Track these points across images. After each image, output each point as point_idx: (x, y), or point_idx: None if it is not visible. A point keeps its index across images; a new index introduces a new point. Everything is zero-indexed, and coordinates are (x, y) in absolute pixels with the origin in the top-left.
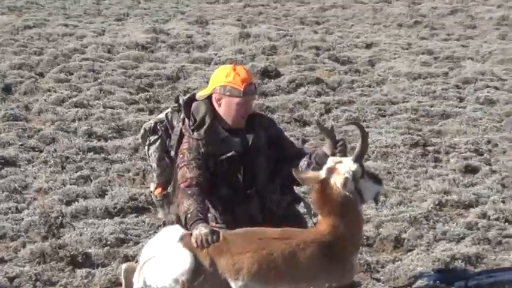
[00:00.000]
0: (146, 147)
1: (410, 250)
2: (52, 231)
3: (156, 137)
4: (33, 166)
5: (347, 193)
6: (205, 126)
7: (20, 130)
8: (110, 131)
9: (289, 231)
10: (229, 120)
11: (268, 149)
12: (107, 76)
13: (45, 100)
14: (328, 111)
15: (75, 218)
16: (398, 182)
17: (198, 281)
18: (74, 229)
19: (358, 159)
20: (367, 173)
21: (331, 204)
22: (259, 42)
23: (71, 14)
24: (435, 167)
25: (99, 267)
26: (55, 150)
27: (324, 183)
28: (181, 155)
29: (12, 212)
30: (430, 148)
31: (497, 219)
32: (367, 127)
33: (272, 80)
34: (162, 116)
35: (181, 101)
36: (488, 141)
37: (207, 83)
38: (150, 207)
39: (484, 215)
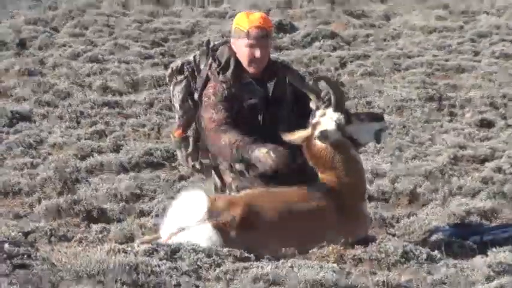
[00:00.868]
0: (171, 87)
1: (425, 204)
2: (67, 187)
3: (182, 77)
4: (48, 121)
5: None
6: (230, 69)
7: (35, 85)
8: (124, 85)
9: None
10: (244, 64)
11: (293, 103)
12: (121, 31)
13: (60, 55)
14: (343, 65)
15: (90, 173)
16: (413, 136)
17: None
18: (89, 184)
19: (337, 107)
20: (356, 116)
21: (321, 159)
22: None
23: None
24: (450, 121)
25: (115, 223)
26: (70, 105)
27: (310, 140)
28: (206, 98)
29: (27, 168)
30: (445, 102)
31: None
32: (383, 81)
33: (287, 34)
34: (190, 57)
35: (211, 45)
36: (504, 96)
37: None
38: (166, 162)
39: (499, 169)
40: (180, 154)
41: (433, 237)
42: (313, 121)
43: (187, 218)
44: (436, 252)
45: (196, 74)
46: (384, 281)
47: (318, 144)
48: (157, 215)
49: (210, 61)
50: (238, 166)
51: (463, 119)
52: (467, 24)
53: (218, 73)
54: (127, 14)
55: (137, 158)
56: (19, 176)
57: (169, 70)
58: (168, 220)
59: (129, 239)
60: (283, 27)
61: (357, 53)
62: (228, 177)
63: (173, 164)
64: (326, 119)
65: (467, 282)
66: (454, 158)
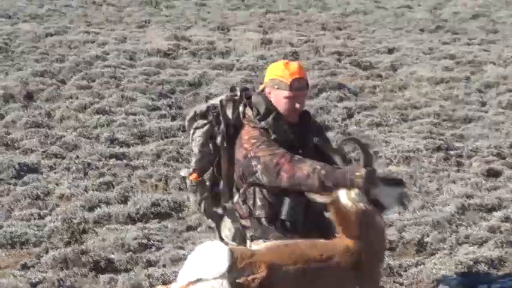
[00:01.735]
0: (192, 130)
1: (433, 254)
2: (75, 237)
3: (205, 121)
4: (55, 173)
5: (360, 208)
6: (272, 115)
7: (43, 137)
8: (132, 137)
9: (320, 242)
10: (282, 112)
11: (313, 153)
12: (128, 83)
13: (67, 107)
14: (350, 116)
15: (97, 224)
16: (421, 186)
17: None
18: (97, 235)
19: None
20: (382, 180)
21: (347, 222)
22: (280, 48)
23: (92, 21)
24: (458, 171)
25: (122, 273)
26: (77, 156)
27: (336, 203)
28: (254, 140)
29: (34, 219)
30: (452, 152)
31: None
32: (390, 132)
33: None
34: (215, 101)
35: (238, 92)
36: (511, 145)
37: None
38: (173, 212)
39: (506, 219)
40: (193, 198)
41: (441, 287)
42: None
43: (207, 269)
44: None
45: (221, 118)
46: None
47: (347, 207)
48: (164, 265)
49: (241, 109)
50: (258, 212)
51: (470, 169)
52: (474, 74)
53: (259, 120)
54: (134, 66)
55: (145, 208)
56: (26, 226)
57: (192, 113)
58: (187, 267)
59: None
60: None
61: (364, 104)
62: (245, 224)
63: (180, 214)
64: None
65: None
66: (462, 207)
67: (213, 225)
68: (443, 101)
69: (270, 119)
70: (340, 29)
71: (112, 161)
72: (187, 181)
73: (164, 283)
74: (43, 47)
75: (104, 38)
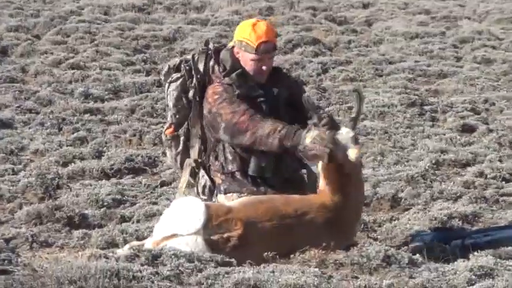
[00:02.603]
0: (167, 85)
1: (407, 209)
2: (49, 193)
3: (178, 75)
4: (29, 128)
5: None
6: (237, 71)
7: (17, 92)
8: (106, 92)
9: (295, 198)
10: (249, 73)
11: (288, 109)
12: (103, 38)
13: (41, 62)
14: (325, 71)
15: (71, 180)
16: (395, 141)
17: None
18: (71, 190)
19: (355, 126)
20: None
21: (338, 176)
22: (255, 3)
23: None
24: (432, 126)
25: (96, 228)
26: (52, 112)
27: (331, 157)
28: (216, 96)
29: (8, 174)
30: (427, 107)
31: (494, 177)
32: (365, 87)
33: None
34: (188, 56)
35: (211, 46)
36: (486, 100)
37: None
38: (147, 168)
39: (481, 174)
40: (169, 153)
41: (415, 242)
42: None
43: (182, 225)
44: (417, 256)
45: (193, 72)
46: (365, 286)
47: (341, 160)
48: (138, 221)
49: (212, 63)
50: (230, 167)
51: (444, 124)
52: (449, 29)
53: (224, 76)
54: (108, 21)
55: (119, 164)
56: (0, 182)
57: (166, 68)
58: (163, 222)
59: (111, 244)
60: None
61: (339, 59)
62: (219, 179)
63: (155, 170)
64: (345, 139)
65: (448, 286)
66: (436, 162)
67: (192, 180)
68: (418, 56)
69: (234, 75)
70: None
71: (86, 116)
72: (163, 136)
73: (138, 239)
74: (18, 1)
75: None
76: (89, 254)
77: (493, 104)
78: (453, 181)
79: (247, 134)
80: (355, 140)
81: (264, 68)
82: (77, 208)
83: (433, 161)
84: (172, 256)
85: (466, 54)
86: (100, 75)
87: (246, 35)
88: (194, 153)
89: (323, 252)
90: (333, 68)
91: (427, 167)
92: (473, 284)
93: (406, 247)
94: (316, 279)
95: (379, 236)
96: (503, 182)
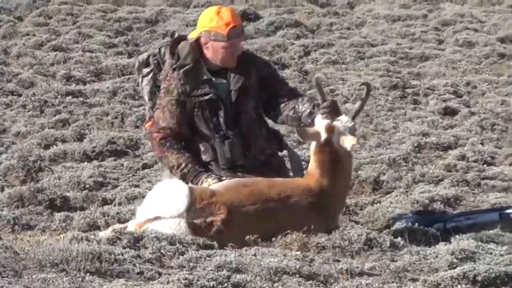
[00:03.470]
0: (140, 79)
1: (389, 192)
2: (30, 175)
3: (148, 69)
4: (11, 110)
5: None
6: (186, 67)
7: None
8: (88, 74)
9: (279, 181)
10: (218, 62)
11: (259, 90)
12: (85, 20)
13: (23, 44)
14: (307, 53)
15: (53, 162)
16: (377, 124)
17: None
18: (53, 173)
19: (355, 117)
20: None
21: (332, 162)
22: None
23: None
24: (414, 109)
25: (78, 211)
26: (33, 94)
27: (327, 143)
28: (162, 93)
29: None
30: (409, 90)
31: (475, 161)
32: (346, 69)
33: (251, 23)
34: (156, 50)
35: (176, 36)
36: (468, 83)
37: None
38: (129, 150)
39: (462, 157)
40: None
41: (397, 225)
42: (326, 123)
43: (165, 207)
44: (399, 239)
45: (161, 65)
46: (347, 269)
47: (334, 147)
48: (120, 204)
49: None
50: (204, 157)
51: (426, 107)
52: (431, 12)
53: (174, 70)
54: (91, 3)
55: (100, 146)
56: None
57: (137, 63)
58: (146, 205)
59: (92, 227)
60: (247, 16)
61: (320, 42)
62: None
63: (136, 153)
64: (345, 127)
65: (430, 269)
66: (418, 145)
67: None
68: (400, 39)
69: (182, 70)
70: None
71: (68, 99)
72: (143, 129)
73: (120, 221)
74: None
75: None
76: (70, 237)
77: (475, 87)
78: (435, 164)
79: (156, 153)
80: (353, 131)
81: (235, 53)
82: (59, 191)
83: (415, 144)
84: (154, 239)
85: (448, 37)
86: (82, 57)
87: (213, 24)
88: None
89: (305, 235)
90: (315, 50)
91: (409, 150)
92: (454, 268)
93: (387, 230)
94: (298, 262)
95: (360, 219)
96: (485, 165)
